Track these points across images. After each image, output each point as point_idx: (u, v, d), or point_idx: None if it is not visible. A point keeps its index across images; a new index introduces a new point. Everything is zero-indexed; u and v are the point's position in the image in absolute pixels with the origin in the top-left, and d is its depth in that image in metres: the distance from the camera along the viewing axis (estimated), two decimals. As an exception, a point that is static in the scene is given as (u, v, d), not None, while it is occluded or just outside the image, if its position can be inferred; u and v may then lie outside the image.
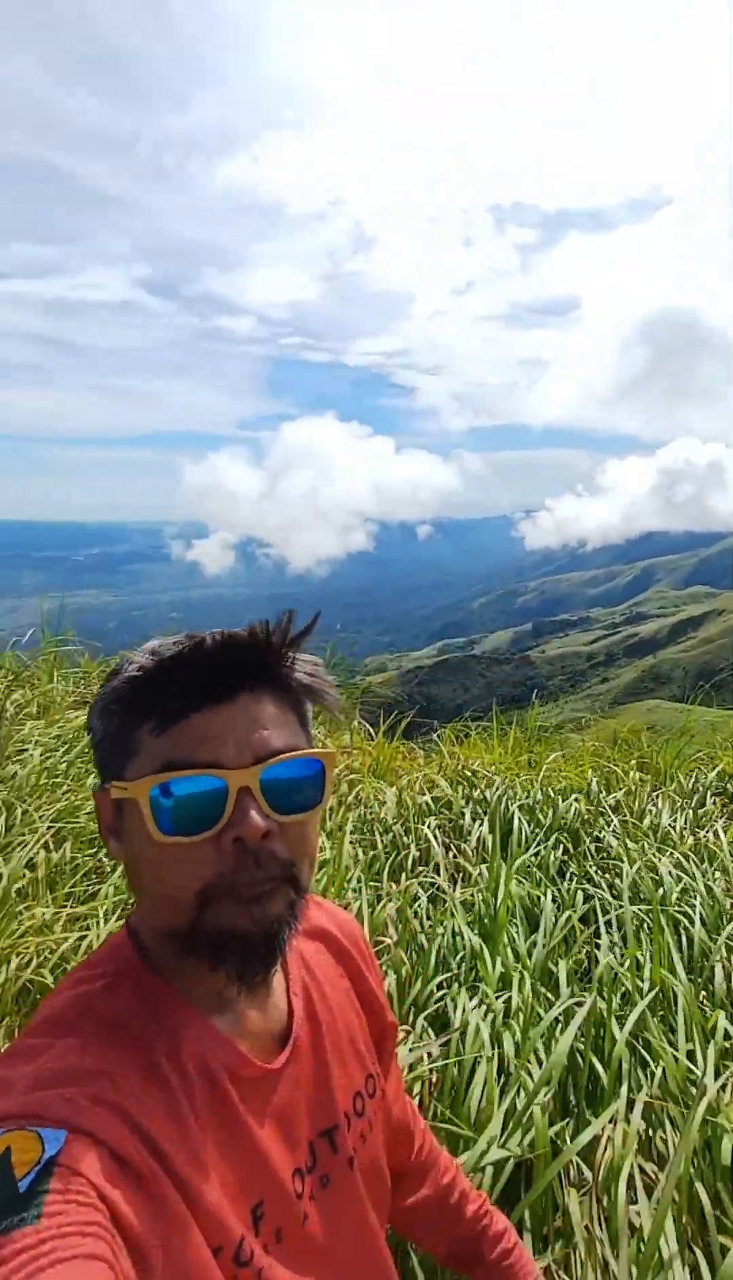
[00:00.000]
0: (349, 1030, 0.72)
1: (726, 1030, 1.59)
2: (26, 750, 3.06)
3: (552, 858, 2.50)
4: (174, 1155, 0.53)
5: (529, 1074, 1.37)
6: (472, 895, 2.10)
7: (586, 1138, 1.19)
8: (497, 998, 1.60)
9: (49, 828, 2.40)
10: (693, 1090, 1.41)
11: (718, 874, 2.34)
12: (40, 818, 2.44)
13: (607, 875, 2.41)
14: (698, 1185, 1.20)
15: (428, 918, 2.02)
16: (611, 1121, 1.30)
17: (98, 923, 1.88)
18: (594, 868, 2.47)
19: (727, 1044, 1.57)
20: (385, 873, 2.31)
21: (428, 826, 2.70)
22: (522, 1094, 1.31)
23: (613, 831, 2.68)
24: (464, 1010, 1.52)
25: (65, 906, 2.01)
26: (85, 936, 1.82)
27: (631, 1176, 1.18)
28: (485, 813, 2.73)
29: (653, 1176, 1.28)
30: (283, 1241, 0.60)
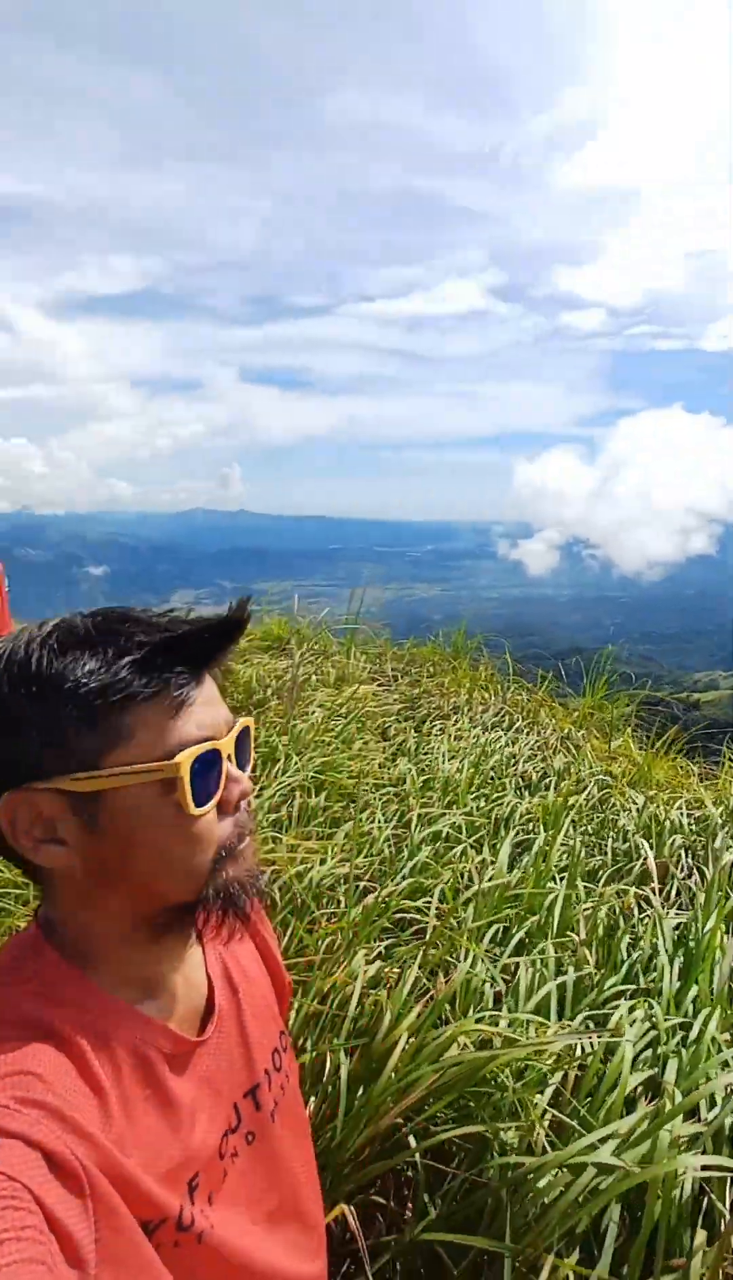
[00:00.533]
0: (262, 990, 0.76)
1: None
2: (313, 712, 3.56)
3: None
4: (107, 1150, 0.54)
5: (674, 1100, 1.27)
6: (690, 920, 1.93)
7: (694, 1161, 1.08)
8: (666, 1019, 1.49)
9: (312, 776, 2.79)
10: None
11: None
12: (309, 766, 2.85)
13: None
14: None
15: (633, 928, 1.92)
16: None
17: (325, 860, 2.16)
18: None
19: None
20: (604, 879, 2.23)
21: (672, 844, 2.51)
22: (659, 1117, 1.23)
23: None
24: (624, 1017, 1.46)
25: (306, 840, 2.34)
26: (311, 869, 2.10)
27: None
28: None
29: None
30: (214, 1203, 0.64)
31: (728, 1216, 1.18)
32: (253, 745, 0.68)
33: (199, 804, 0.58)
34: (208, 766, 0.59)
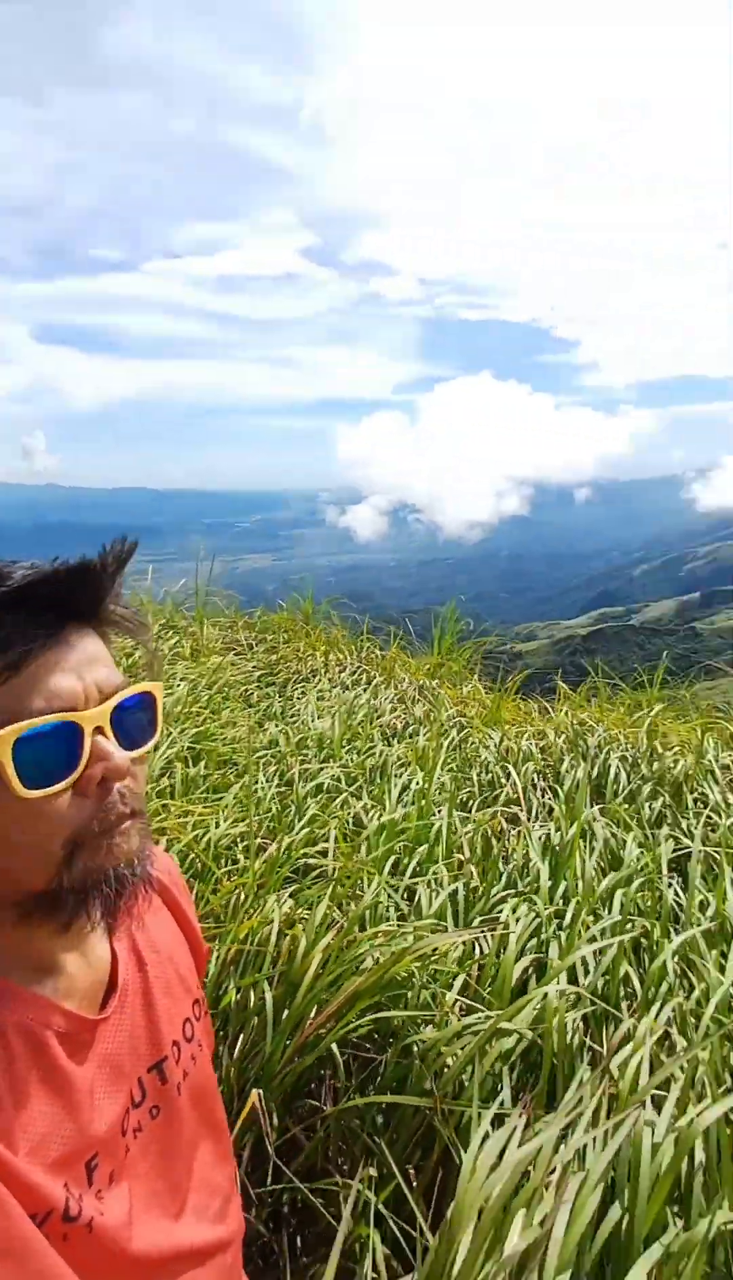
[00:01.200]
0: (173, 962, 0.74)
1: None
2: (176, 686, 3.52)
3: (647, 808, 2.54)
4: None
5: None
6: (552, 830, 2.22)
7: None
8: (544, 910, 1.74)
9: (187, 748, 2.80)
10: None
11: None
12: (183, 738, 2.84)
13: (705, 829, 2.42)
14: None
15: (506, 844, 2.17)
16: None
17: (218, 824, 2.20)
18: (694, 821, 2.48)
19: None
20: (475, 806, 2.48)
21: (525, 770, 2.82)
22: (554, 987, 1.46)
23: (720, 788, 2.66)
24: (514, 913, 1.68)
25: (193, 809, 2.37)
26: (207, 833, 2.14)
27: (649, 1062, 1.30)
28: (583, 760, 2.80)
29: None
30: (116, 1181, 0.61)
31: (605, 1053, 1.42)
32: (156, 715, 0.62)
33: (31, 785, 0.52)
34: (53, 742, 0.53)
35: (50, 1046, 0.58)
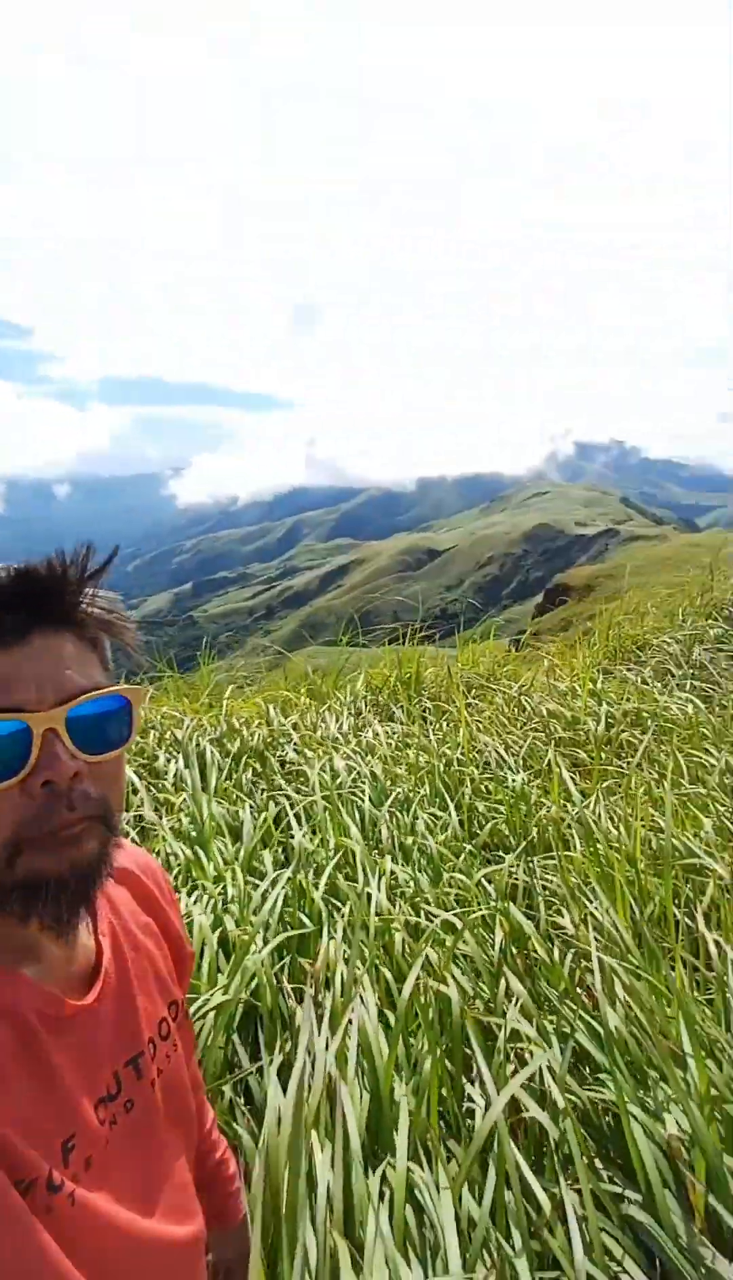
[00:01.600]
0: (153, 962, 0.75)
1: (392, 871, 2.05)
2: None
3: (243, 779, 2.79)
4: None
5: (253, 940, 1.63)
6: (178, 821, 2.28)
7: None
8: (216, 888, 1.83)
9: None
10: (377, 917, 1.82)
11: (377, 762, 2.86)
12: None
13: (294, 782, 2.78)
14: (382, 970, 1.60)
15: (140, 844, 2.15)
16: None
17: None
18: (283, 779, 2.82)
19: (391, 880, 2.03)
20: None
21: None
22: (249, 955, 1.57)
23: (294, 747, 3.07)
24: (187, 906, 1.72)
25: None
26: None
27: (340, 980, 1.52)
28: (179, 751, 2.90)
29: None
30: (92, 1168, 0.62)
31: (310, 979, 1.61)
32: (128, 720, 0.61)
33: None
34: None
35: (33, 1027, 0.59)
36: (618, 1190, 1.12)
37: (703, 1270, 0.99)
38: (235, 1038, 1.44)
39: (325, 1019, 1.28)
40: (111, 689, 0.60)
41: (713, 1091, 1.18)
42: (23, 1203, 0.53)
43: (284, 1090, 1.11)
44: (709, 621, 4.78)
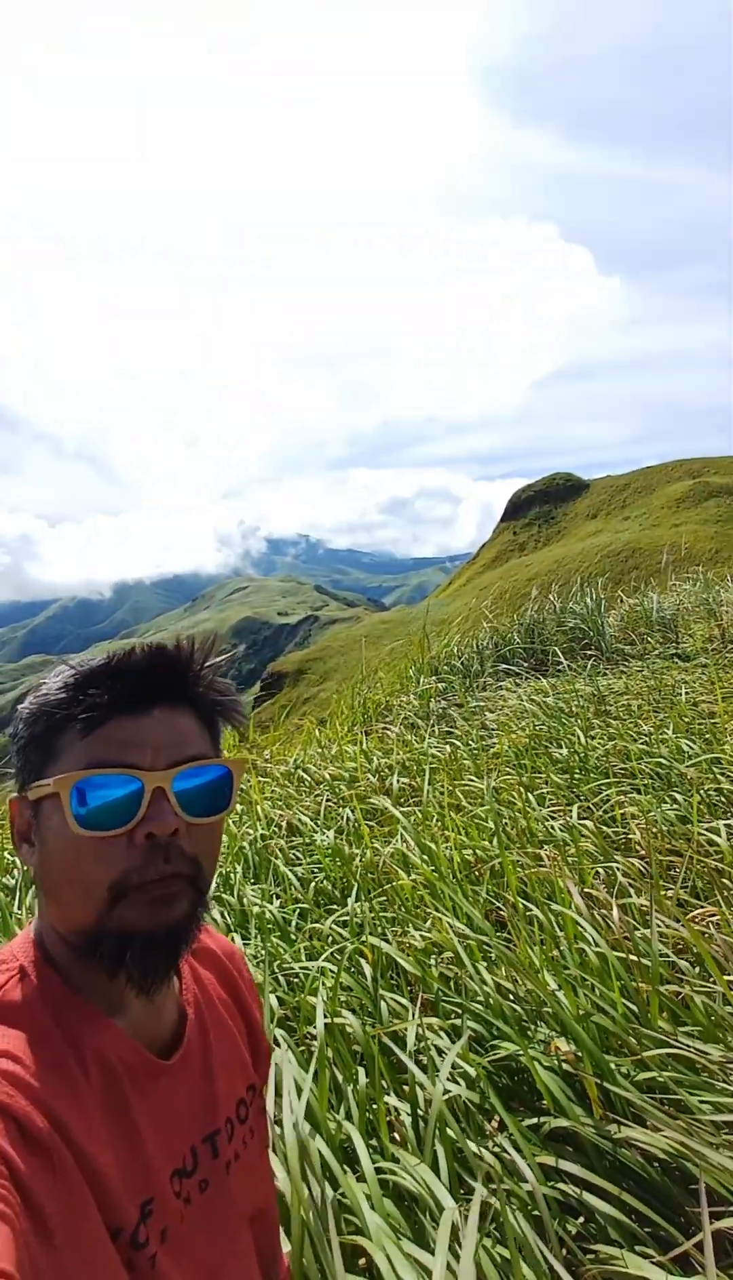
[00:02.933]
0: (233, 1041, 0.76)
1: (241, 943, 2.08)
2: None
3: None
4: (77, 1134, 0.55)
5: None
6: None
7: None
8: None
9: None
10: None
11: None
12: None
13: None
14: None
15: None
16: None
17: None
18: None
19: (250, 955, 2.07)
20: None
21: None
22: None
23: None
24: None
25: None
26: None
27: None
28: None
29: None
30: (167, 1241, 0.61)
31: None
32: (229, 790, 0.67)
33: (84, 825, 0.59)
34: (113, 792, 0.60)
35: (120, 1078, 0.61)
36: (535, 1121, 1.34)
37: (618, 1137, 1.24)
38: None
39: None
40: (216, 760, 0.66)
41: (581, 1012, 1.48)
42: (113, 1248, 0.54)
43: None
44: (435, 678, 5.54)
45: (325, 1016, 1.55)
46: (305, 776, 3.87)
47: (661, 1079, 1.34)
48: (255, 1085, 0.78)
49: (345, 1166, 1.21)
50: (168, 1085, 0.66)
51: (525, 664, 5.78)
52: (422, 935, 1.96)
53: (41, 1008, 0.60)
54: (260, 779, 3.92)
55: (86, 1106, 0.57)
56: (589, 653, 5.68)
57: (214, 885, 2.50)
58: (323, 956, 1.91)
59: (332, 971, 1.82)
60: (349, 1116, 1.38)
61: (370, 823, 3.03)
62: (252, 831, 3.09)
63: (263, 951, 2.04)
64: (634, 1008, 1.52)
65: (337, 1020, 1.59)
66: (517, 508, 48.98)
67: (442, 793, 3.16)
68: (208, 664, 0.68)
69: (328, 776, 3.72)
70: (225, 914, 2.35)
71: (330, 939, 2.06)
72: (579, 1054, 1.36)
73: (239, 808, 3.53)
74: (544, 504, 47.28)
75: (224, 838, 3.02)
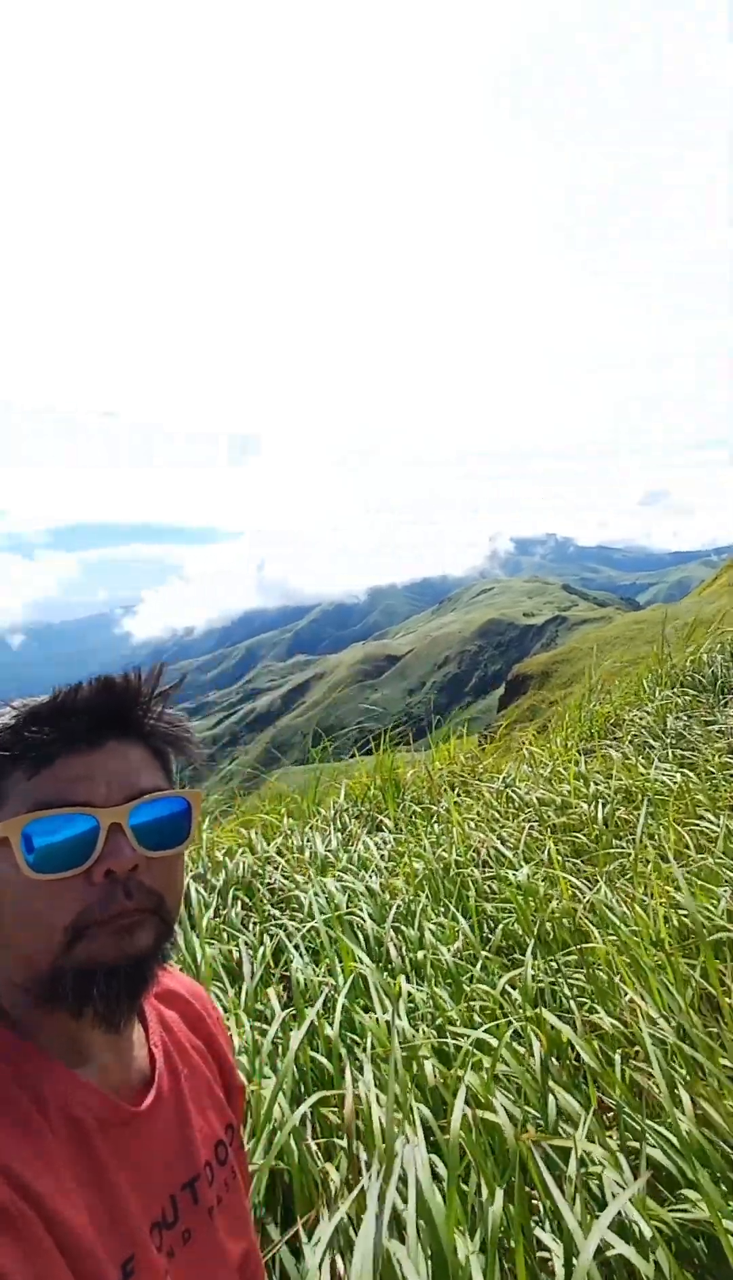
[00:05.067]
0: (206, 1081, 0.74)
1: (408, 992, 1.90)
2: None
3: (233, 913, 2.62)
4: (45, 1197, 0.52)
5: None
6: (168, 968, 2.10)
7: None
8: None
9: None
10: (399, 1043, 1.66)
11: (373, 876, 2.73)
12: None
13: (288, 910, 2.62)
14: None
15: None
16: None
17: None
18: (273, 908, 2.66)
19: (410, 1003, 1.88)
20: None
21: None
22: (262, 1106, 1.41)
23: (281, 873, 2.91)
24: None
25: None
26: None
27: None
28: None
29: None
30: None
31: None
32: (188, 821, 0.65)
33: (40, 869, 0.57)
34: (66, 832, 0.58)
35: (89, 1132, 0.58)
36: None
37: None
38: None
39: (376, 1175, 1.13)
40: (173, 792, 0.64)
41: None
42: None
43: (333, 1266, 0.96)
44: (675, 690, 4.85)
45: (466, 1105, 1.31)
46: (514, 797, 3.58)
47: None
48: (233, 1125, 0.76)
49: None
50: (141, 1132, 0.63)
51: (796, 676, 4.83)
52: (611, 1022, 1.61)
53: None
54: (457, 799, 3.70)
55: (54, 1164, 0.54)
56: None
57: (390, 915, 2.37)
58: (483, 1028, 1.65)
59: (492, 1047, 1.56)
60: (483, 1248, 1.13)
61: (575, 860, 2.67)
62: (446, 856, 2.89)
63: (427, 1004, 1.83)
64: None
65: (480, 1111, 1.34)
66: (801, 489, 42.35)
67: (663, 830, 2.68)
68: (156, 694, 0.66)
69: (536, 800, 3.39)
70: (405, 951, 2.19)
71: (496, 1001, 1.79)
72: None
73: (434, 828, 3.36)
74: None
75: (417, 863, 2.92)
